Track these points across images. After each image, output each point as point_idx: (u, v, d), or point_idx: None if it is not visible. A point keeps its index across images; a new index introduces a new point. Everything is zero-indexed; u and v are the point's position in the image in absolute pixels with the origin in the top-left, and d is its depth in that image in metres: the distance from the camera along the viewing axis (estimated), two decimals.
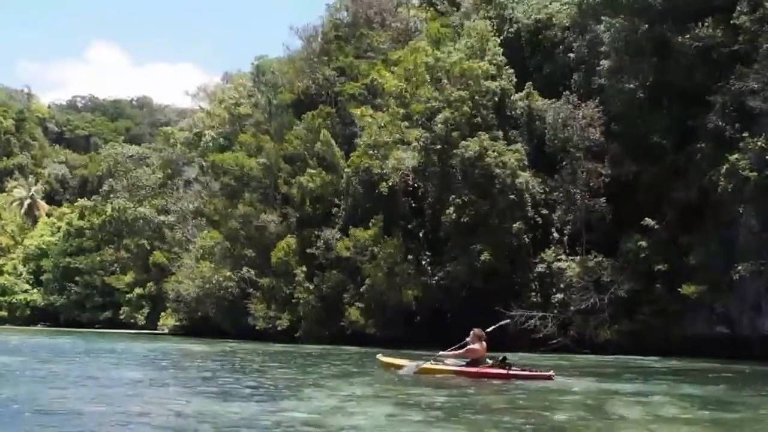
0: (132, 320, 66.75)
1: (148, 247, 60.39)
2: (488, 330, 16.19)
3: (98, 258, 79.08)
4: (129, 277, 69.56)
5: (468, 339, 15.80)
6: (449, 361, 16.22)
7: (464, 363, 15.74)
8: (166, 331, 60.60)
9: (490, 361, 15.49)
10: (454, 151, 34.04)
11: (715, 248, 28.26)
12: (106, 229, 71.32)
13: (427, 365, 16.29)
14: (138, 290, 65.90)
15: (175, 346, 33.53)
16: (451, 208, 33.67)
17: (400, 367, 16.90)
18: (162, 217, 58.38)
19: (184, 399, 11.64)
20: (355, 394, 12.86)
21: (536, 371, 15.60)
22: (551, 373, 15.28)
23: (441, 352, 16.85)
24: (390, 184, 35.36)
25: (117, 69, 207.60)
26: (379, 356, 18.92)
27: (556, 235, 34.47)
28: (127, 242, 64.50)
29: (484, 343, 15.63)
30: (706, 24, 28.47)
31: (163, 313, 58.25)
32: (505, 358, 15.46)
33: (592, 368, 20.72)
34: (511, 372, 15.07)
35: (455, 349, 16.38)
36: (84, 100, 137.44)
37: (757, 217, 26.74)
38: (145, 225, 60.10)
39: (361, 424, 9.26)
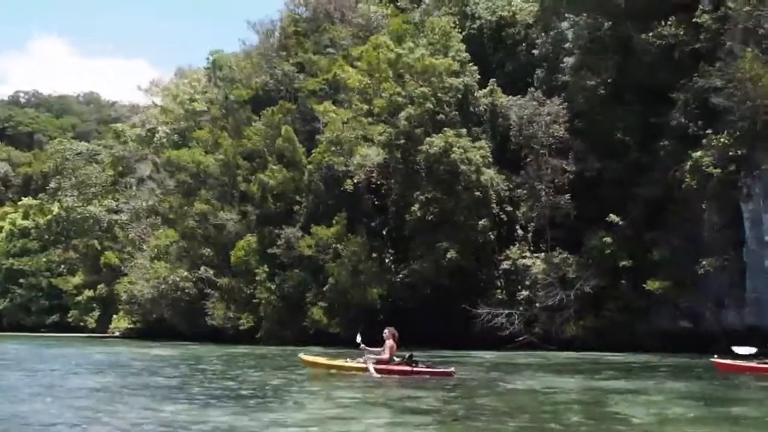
0: (81, 323, 64.62)
1: (99, 248, 58.38)
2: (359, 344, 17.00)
3: (44, 259, 76.55)
4: (77, 279, 67.32)
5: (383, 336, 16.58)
6: (362, 359, 16.79)
7: (375, 360, 16.34)
8: (117, 334, 58.77)
9: (397, 359, 16.21)
10: (419, 147, 33.68)
11: (679, 244, 28.58)
12: (53, 229, 68.88)
13: (342, 363, 17.22)
14: (88, 292, 63.72)
15: (134, 350, 32.33)
16: (416, 205, 33.31)
17: (323, 365, 17.79)
18: (114, 216, 56.51)
19: (164, 409, 10.68)
20: (342, 398, 12.31)
21: (437, 368, 16.35)
22: (452, 369, 16.09)
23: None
24: (355, 181, 34.84)
25: (61, 63, 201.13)
26: (301, 355, 19.39)
27: (520, 232, 34.52)
28: (76, 242, 62.24)
29: (393, 343, 16.38)
30: (669, 23, 28.74)
31: (115, 316, 56.46)
32: (411, 356, 16.14)
33: (571, 365, 20.59)
34: (414, 369, 15.84)
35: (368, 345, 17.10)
36: (27, 96, 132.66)
37: (720, 213, 27.12)
38: (95, 224, 58.06)
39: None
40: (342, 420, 9.71)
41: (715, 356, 18.14)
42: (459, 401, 12.04)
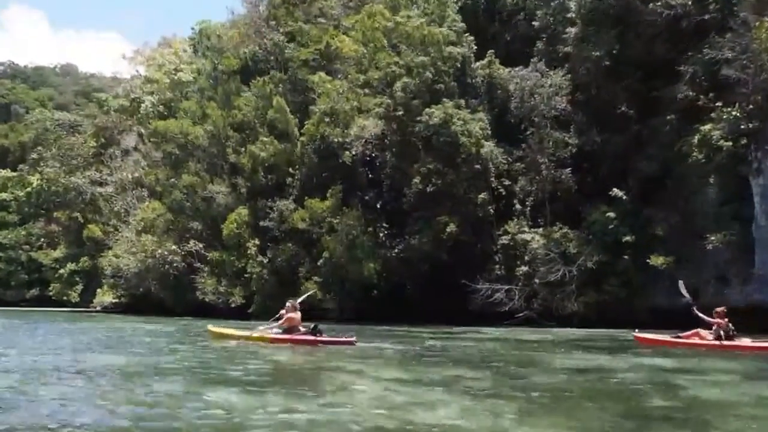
0: (64, 297, 63.21)
1: (82, 220, 56.92)
2: (300, 300, 18.23)
3: (23, 232, 74.97)
4: (59, 252, 65.93)
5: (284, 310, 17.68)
6: (268, 329, 17.98)
7: (281, 331, 17.39)
8: (98, 308, 57.52)
9: (303, 329, 17.18)
10: (418, 118, 32.84)
11: (682, 219, 28.16)
12: (33, 201, 67.28)
13: (248, 333, 18.31)
14: (70, 266, 62.32)
15: (127, 325, 31.18)
16: (417, 178, 32.53)
17: (231, 336, 18.82)
18: (98, 188, 55.04)
19: (206, 394, 9.49)
20: (388, 378, 11.25)
21: (340, 338, 17.33)
22: (353, 339, 17.01)
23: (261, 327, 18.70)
24: (353, 153, 33.94)
25: (37, 35, 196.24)
26: (209, 327, 20.92)
27: (518, 206, 33.96)
28: (58, 215, 60.69)
29: (299, 313, 17.43)
30: None
31: (99, 290, 55.14)
32: (316, 326, 17.13)
33: (593, 342, 19.86)
34: (318, 338, 16.80)
35: (275, 320, 18.24)
36: (3, 67, 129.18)
37: (727, 188, 26.67)
38: (78, 196, 56.54)
39: (443, 418, 7.81)
40: (412, 405, 8.71)
41: (636, 331, 19.28)
42: (520, 383, 11.00)
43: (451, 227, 31.48)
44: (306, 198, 36.84)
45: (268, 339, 17.33)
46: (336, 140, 35.19)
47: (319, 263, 35.27)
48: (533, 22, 35.73)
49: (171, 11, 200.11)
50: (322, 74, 37.98)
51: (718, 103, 25.99)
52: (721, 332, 16.89)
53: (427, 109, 32.47)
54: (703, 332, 17.40)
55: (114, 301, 53.07)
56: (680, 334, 17.90)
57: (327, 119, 36.39)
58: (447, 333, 24.00)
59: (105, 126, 58.05)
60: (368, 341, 19.65)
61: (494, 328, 27.72)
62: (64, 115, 71.38)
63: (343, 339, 17.07)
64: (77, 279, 62.45)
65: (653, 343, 18.29)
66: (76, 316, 46.29)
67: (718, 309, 17.53)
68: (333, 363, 13.94)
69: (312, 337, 16.76)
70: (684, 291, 19.10)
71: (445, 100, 32.72)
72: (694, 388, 10.41)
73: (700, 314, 17.63)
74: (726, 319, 17.08)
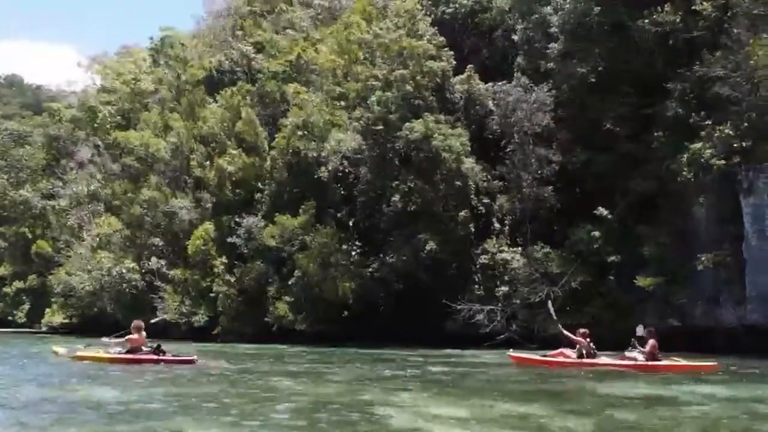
0: (9, 317, 59.67)
1: (30, 236, 53.91)
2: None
3: None
4: (3, 270, 62.40)
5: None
6: (111, 349, 18.55)
7: (124, 351, 17.97)
8: (45, 329, 54.37)
9: (146, 349, 17.86)
10: (398, 133, 31.71)
11: (671, 239, 27.56)
12: None
13: (83, 353, 19.28)
14: (17, 284, 58.95)
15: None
16: (397, 196, 31.31)
17: (75, 357, 19.30)
18: (49, 202, 52.16)
19: None
20: (422, 406, 10.23)
21: (181, 357, 18.05)
22: (194, 357, 17.84)
23: (104, 339, 19.80)
24: (330, 168, 32.56)
25: None
26: (54, 348, 21.80)
27: (497, 225, 33.06)
28: (3, 230, 57.47)
29: (143, 333, 18.40)
30: (666, 9, 27.63)
31: (48, 309, 52.07)
32: (159, 346, 17.87)
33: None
34: (159, 357, 17.51)
35: (118, 337, 19.06)
36: None
37: (717, 208, 26.20)
38: (26, 211, 53.58)
39: None
40: None
41: (511, 350, 21.11)
42: (613, 423, 9.85)
43: (431, 245, 30.30)
44: (276, 214, 35.21)
45: (107, 359, 17.87)
46: (310, 155, 33.73)
47: (290, 282, 33.66)
48: (513, 37, 35.07)
49: (129, 26, 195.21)
50: (296, 85, 36.56)
51: (708, 121, 25.51)
52: (583, 351, 18.54)
53: (407, 124, 31.39)
54: (567, 351, 19.05)
55: (64, 321, 50.13)
56: (547, 353, 19.58)
57: (300, 132, 34.96)
58: (434, 357, 22.76)
59: (57, 136, 55.24)
60: (363, 366, 18.34)
61: (478, 351, 26.61)
62: (11, 125, 68.00)
63: (185, 358, 17.80)
64: (24, 298, 59.01)
65: (529, 362, 19.56)
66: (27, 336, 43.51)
67: (581, 330, 19.23)
68: (351, 396, 12.50)
69: (155, 356, 17.49)
70: (561, 329, 20.80)
71: (425, 114, 31.69)
72: None
73: (567, 333, 19.65)
74: (588, 339, 18.78)
